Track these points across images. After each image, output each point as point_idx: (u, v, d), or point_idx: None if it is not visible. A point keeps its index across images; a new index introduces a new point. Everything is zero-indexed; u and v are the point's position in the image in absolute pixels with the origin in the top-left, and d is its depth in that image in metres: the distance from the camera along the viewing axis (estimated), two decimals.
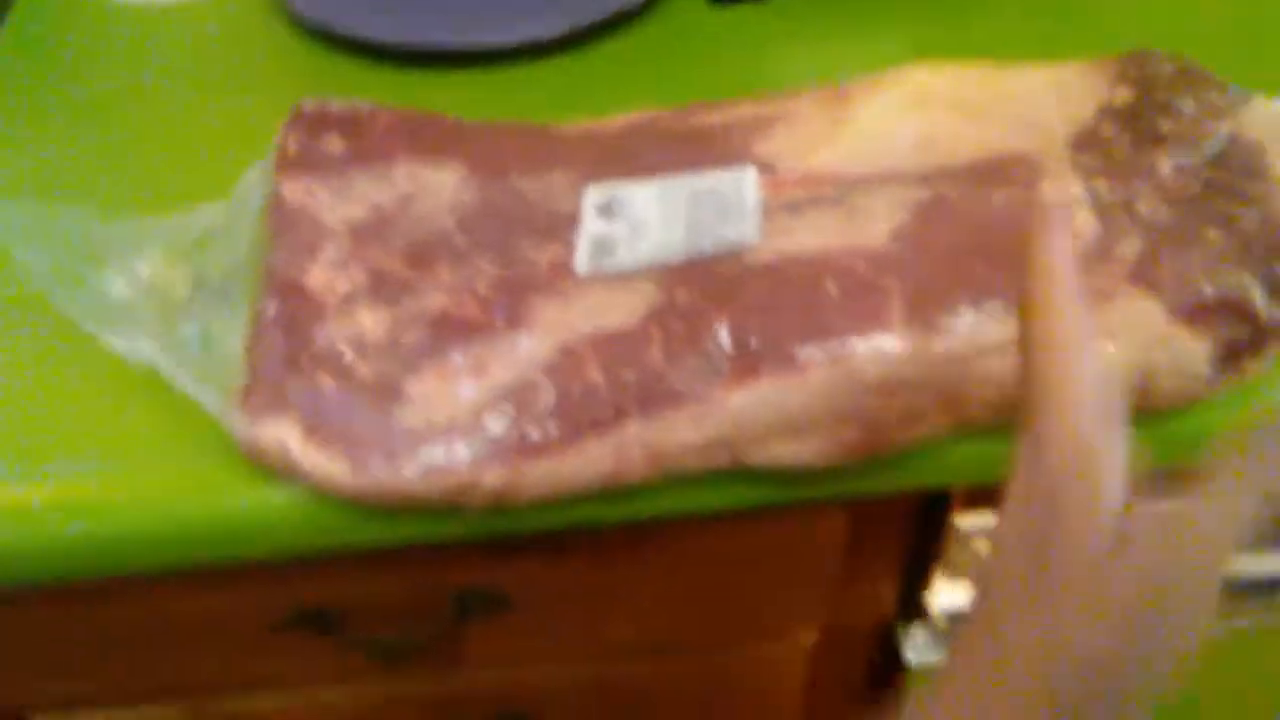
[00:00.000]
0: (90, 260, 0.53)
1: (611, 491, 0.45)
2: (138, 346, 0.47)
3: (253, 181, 0.56)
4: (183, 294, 0.52)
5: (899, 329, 0.41)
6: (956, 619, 0.62)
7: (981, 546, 0.59)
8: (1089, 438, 0.30)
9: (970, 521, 0.57)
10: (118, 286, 0.52)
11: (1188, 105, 0.42)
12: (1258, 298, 0.41)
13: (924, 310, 0.42)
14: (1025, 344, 0.32)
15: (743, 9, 0.70)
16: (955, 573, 0.60)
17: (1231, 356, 0.42)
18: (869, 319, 0.42)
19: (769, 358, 0.42)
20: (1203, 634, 0.28)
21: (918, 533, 0.59)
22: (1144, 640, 0.28)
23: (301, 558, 0.48)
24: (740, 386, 0.43)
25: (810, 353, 0.42)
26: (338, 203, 0.53)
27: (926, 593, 0.60)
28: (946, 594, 0.60)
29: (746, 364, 0.43)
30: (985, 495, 0.55)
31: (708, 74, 0.64)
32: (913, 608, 0.62)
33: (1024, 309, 0.32)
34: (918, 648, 0.63)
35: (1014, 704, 0.29)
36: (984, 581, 0.32)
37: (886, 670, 0.67)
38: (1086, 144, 0.44)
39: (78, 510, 0.45)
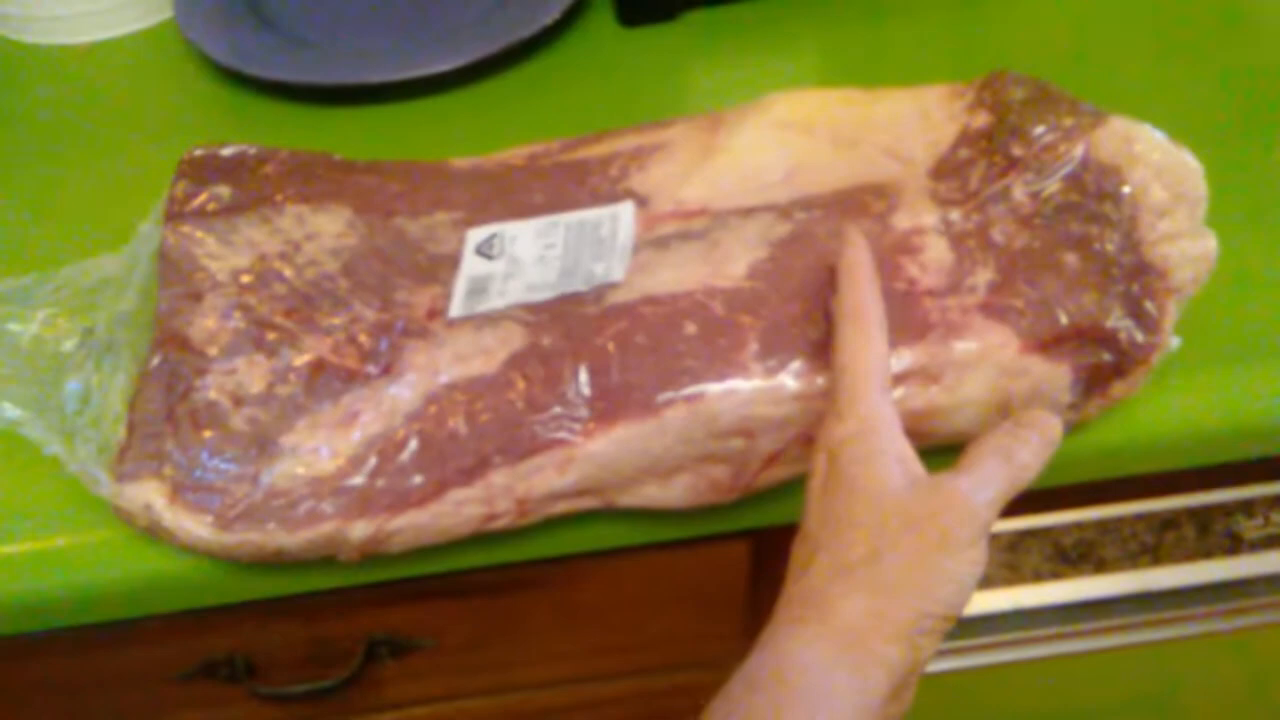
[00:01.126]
0: None
1: (486, 538, 0.45)
2: (3, 410, 0.47)
3: (147, 231, 0.56)
4: (68, 348, 0.52)
5: (753, 370, 0.41)
6: None
7: None
8: (876, 404, 0.36)
9: None
10: (8, 337, 0.53)
11: (1039, 130, 0.42)
12: (1118, 321, 0.40)
13: (778, 350, 0.41)
14: (834, 319, 0.39)
15: (654, 29, 0.70)
16: None
17: (1096, 381, 0.41)
18: (723, 360, 0.41)
19: (628, 401, 0.42)
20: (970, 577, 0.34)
21: None
22: (919, 575, 0.34)
23: (201, 610, 0.49)
24: (601, 432, 0.42)
25: (667, 396, 0.41)
26: (224, 250, 0.53)
27: None
28: None
29: (606, 409, 0.42)
30: None
31: (618, 97, 0.64)
32: None
33: (835, 291, 0.39)
34: None
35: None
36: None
37: None
38: (945, 171, 0.44)
39: None
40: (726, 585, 0.55)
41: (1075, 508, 0.57)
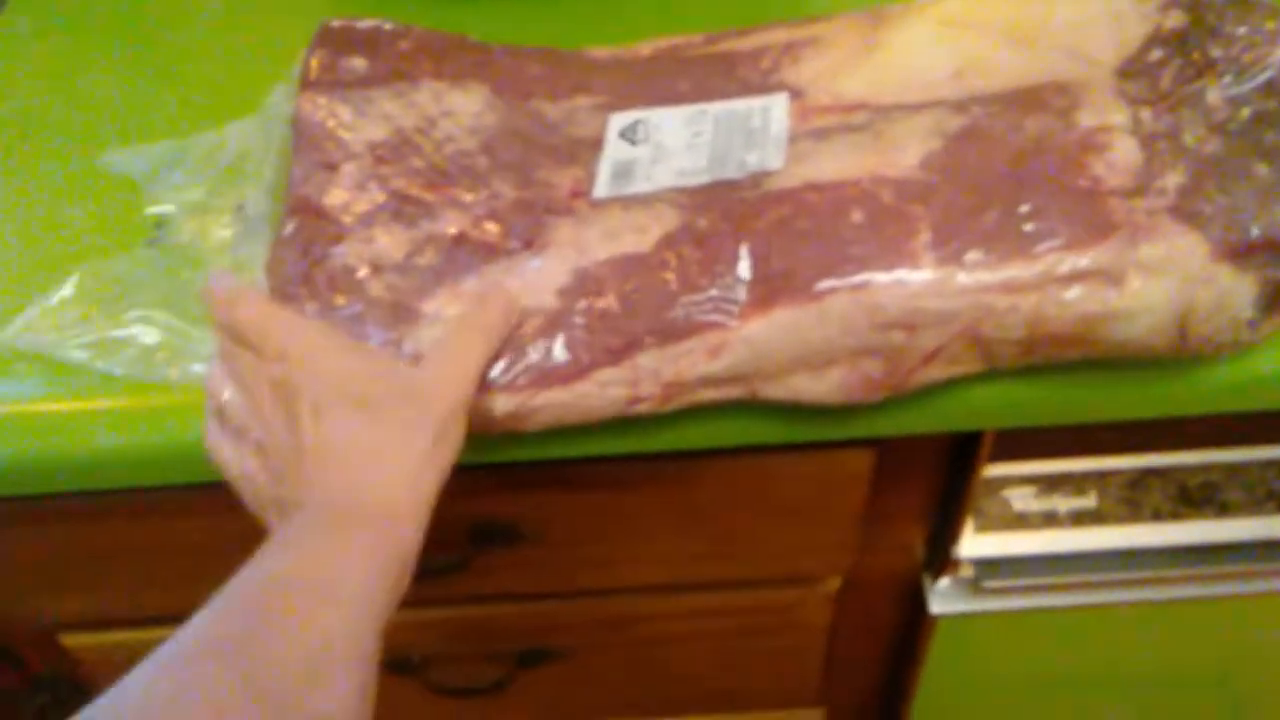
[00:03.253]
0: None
1: (625, 423, 0.44)
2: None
3: (278, 101, 0.55)
4: (224, 235, 0.51)
5: (923, 260, 0.40)
6: (983, 567, 0.61)
7: (1012, 495, 0.58)
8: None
9: (1000, 470, 0.56)
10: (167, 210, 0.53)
11: (1240, 31, 0.40)
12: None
13: (950, 241, 0.40)
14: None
15: None
16: (985, 523, 0.58)
17: (1278, 300, 0.40)
18: (892, 249, 0.40)
19: (788, 287, 0.41)
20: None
21: (947, 480, 0.57)
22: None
23: None
24: (758, 316, 0.41)
25: (830, 283, 0.40)
26: (359, 122, 0.52)
27: (954, 543, 0.59)
28: (974, 544, 0.59)
29: (764, 293, 0.41)
30: (1016, 443, 0.53)
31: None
32: (940, 558, 0.61)
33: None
34: (943, 597, 0.62)
35: None
36: None
37: (912, 619, 0.66)
38: (1134, 71, 0.42)
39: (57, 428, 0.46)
40: (846, 498, 0.54)
41: (1203, 448, 0.55)
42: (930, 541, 0.61)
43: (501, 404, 0.43)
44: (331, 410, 0.38)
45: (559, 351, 0.43)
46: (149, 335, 0.47)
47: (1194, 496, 0.57)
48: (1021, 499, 0.57)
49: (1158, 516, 0.57)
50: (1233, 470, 0.56)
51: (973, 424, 0.47)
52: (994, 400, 0.45)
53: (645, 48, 0.55)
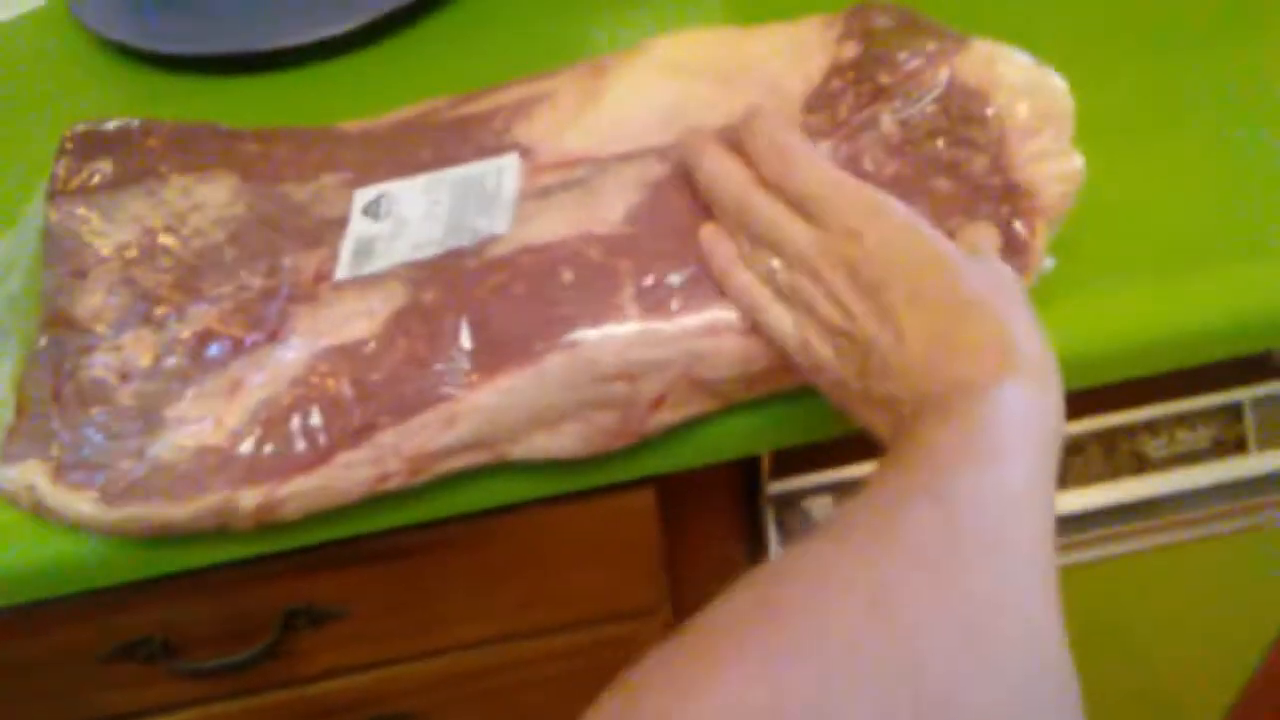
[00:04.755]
0: None
1: (388, 498, 0.45)
2: None
3: (34, 211, 0.55)
4: None
5: (629, 312, 0.41)
6: None
7: (811, 506, 0.59)
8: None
9: (793, 484, 0.57)
10: None
11: (903, 55, 0.41)
12: (991, 242, 0.40)
13: (654, 291, 0.41)
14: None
15: None
16: (792, 537, 0.60)
17: None
18: (600, 304, 0.41)
19: (507, 351, 0.42)
20: None
21: (747, 499, 0.59)
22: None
23: (108, 590, 0.48)
24: (484, 384, 0.42)
25: (544, 343, 0.41)
26: (107, 226, 0.52)
27: (764, 558, 0.60)
28: None
29: (487, 360, 0.42)
30: (802, 456, 0.54)
31: (517, 51, 0.63)
32: None
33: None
34: None
35: None
36: None
37: None
38: (817, 103, 0.43)
39: None
40: (637, 534, 0.55)
41: None
42: (749, 559, 0.63)
43: (249, 497, 0.43)
44: (922, 298, 0.35)
45: (298, 440, 0.43)
46: None
47: None
48: (822, 508, 0.59)
49: None
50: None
51: (726, 455, 0.48)
52: (740, 431, 0.46)
53: (395, 116, 0.56)
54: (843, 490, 0.58)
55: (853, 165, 0.42)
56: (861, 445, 0.39)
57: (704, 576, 0.62)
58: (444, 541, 0.53)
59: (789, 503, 0.58)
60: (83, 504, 0.43)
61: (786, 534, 0.59)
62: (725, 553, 0.62)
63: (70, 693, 0.57)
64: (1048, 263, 0.42)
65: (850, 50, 0.43)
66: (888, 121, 0.41)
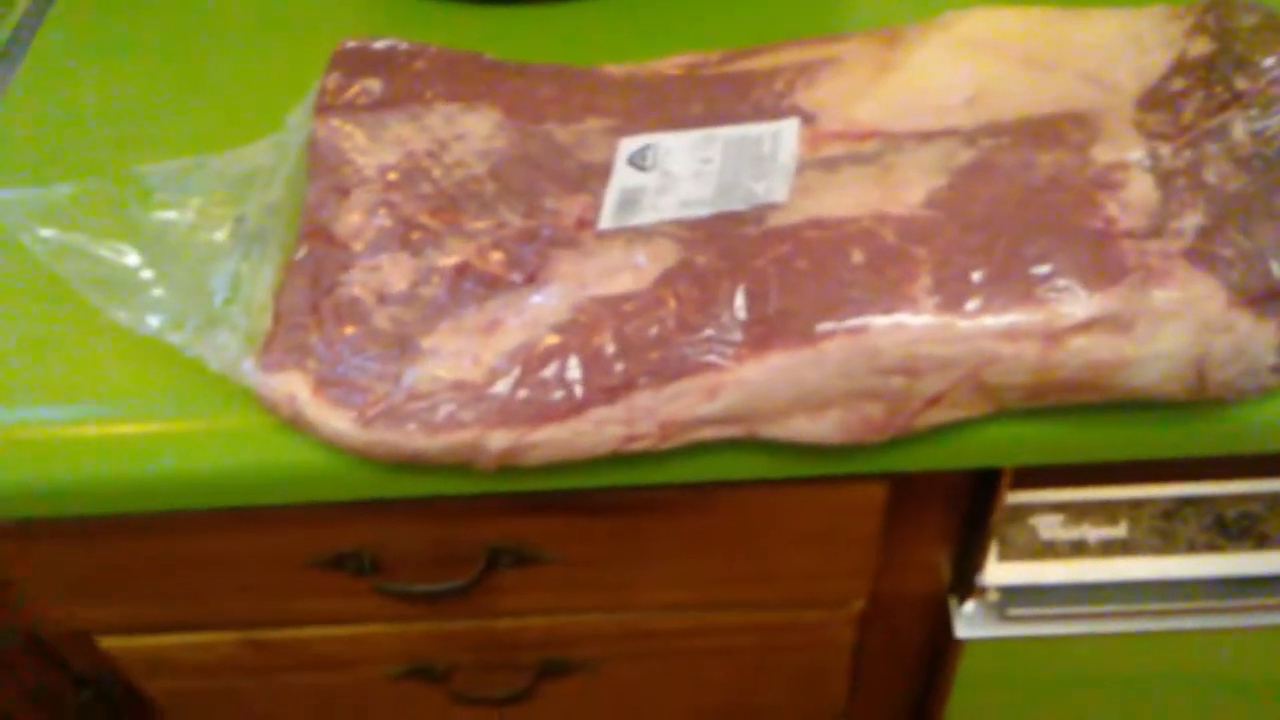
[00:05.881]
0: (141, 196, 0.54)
1: (623, 458, 0.44)
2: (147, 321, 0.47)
3: (297, 121, 0.55)
4: (219, 237, 0.52)
5: (924, 305, 0.38)
6: (1009, 594, 0.59)
7: (1039, 523, 0.56)
8: None
9: (1025, 498, 0.54)
10: (162, 226, 0.53)
11: (1268, 61, 0.37)
12: None
13: (952, 285, 0.38)
14: None
15: None
16: (1010, 550, 0.57)
17: None
18: (892, 292, 0.39)
19: (785, 329, 0.40)
20: None
21: (972, 505, 0.56)
22: None
23: (329, 504, 0.49)
24: (754, 359, 0.40)
25: (827, 326, 0.39)
26: (371, 146, 0.52)
27: (978, 571, 0.57)
28: (999, 572, 0.57)
29: (761, 334, 0.40)
30: (1042, 471, 0.51)
31: (770, 12, 0.60)
32: (965, 582, 0.60)
33: None
34: (968, 621, 0.60)
35: None
36: None
37: (938, 642, 0.65)
38: (1155, 102, 0.40)
39: (114, 452, 0.47)
40: (858, 527, 0.53)
41: (1242, 478, 0.53)
42: (955, 566, 0.60)
43: (499, 439, 0.42)
44: None
45: (555, 388, 0.42)
46: None
47: (1231, 527, 0.54)
48: (1049, 527, 0.56)
49: (1193, 548, 0.55)
50: (1274, 501, 0.53)
51: (983, 462, 0.45)
52: (1004, 440, 0.43)
53: (662, 65, 0.54)
54: (1074, 511, 0.55)
55: (1193, 174, 0.38)
56: (1103, 468, 0.36)
57: (903, 574, 0.60)
58: (664, 504, 0.52)
59: (1017, 516, 0.55)
60: (340, 421, 0.43)
61: (1006, 546, 0.57)
62: (929, 555, 0.59)
63: (275, 592, 0.59)
64: None
65: (1201, 47, 0.39)
66: (1241, 131, 0.38)
